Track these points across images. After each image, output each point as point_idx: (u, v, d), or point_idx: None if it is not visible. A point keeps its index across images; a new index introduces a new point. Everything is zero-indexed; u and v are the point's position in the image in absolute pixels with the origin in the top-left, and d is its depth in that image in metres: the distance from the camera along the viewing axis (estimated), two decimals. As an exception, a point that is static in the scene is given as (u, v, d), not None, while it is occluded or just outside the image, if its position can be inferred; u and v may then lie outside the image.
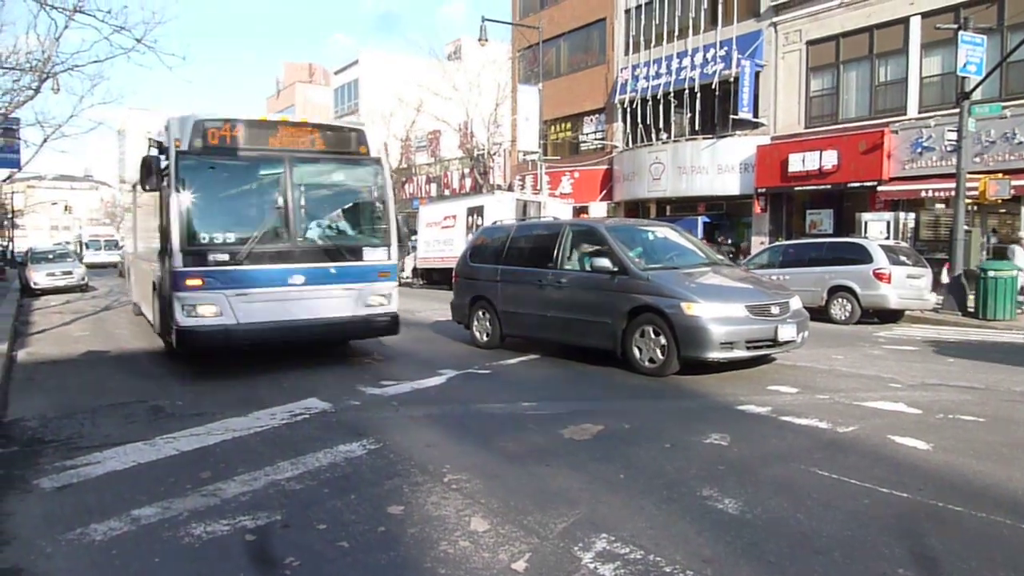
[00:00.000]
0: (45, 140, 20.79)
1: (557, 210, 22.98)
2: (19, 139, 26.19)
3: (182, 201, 8.00)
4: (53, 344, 11.34)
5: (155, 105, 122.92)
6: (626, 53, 28.36)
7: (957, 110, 15.64)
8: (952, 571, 3.33)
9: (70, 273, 24.09)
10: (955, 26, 15.77)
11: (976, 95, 15.70)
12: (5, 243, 49.83)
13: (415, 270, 26.98)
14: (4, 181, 33.15)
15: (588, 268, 8.86)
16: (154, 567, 3.50)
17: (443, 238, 24.75)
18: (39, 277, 23.30)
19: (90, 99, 40.87)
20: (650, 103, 26.72)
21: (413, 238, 26.23)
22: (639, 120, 27.19)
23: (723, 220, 25.65)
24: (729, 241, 24.35)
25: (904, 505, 4.14)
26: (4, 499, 4.38)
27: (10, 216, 49.92)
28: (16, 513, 4.18)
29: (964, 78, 15.11)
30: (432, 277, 25.67)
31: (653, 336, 8.02)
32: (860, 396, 7.06)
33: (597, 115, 30.08)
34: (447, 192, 40.25)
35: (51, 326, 13.88)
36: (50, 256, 26.59)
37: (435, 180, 42.82)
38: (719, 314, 7.68)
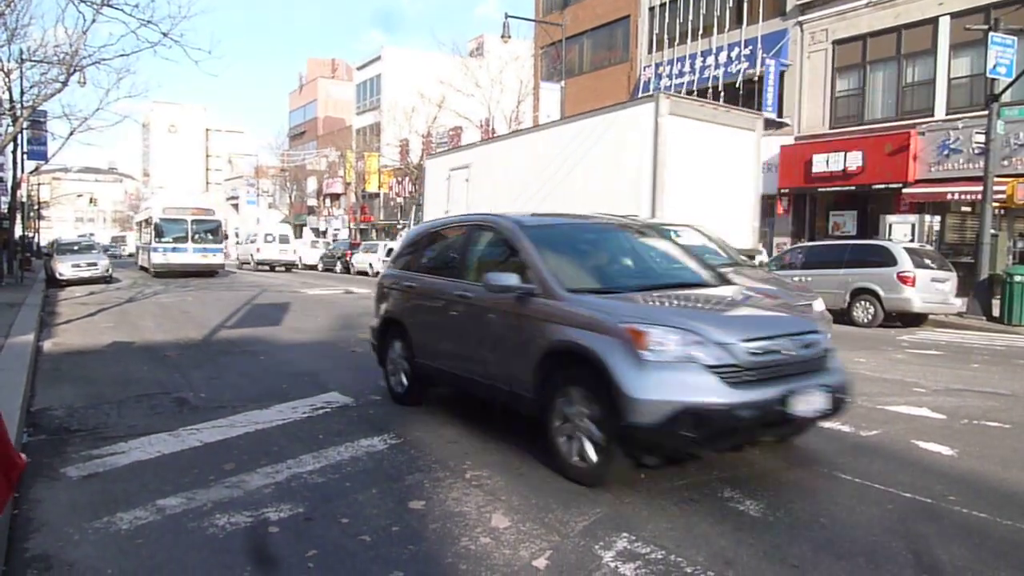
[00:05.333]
0: (72, 133, 21.16)
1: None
2: (46, 132, 26.62)
3: None
4: (78, 335, 11.50)
5: (178, 99, 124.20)
6: (649, 51, 28.22)
7: (986, 112, 15.43)
8: (978, 579, 3.29)
9: (94, 264, 24.52)
10: (985, 27, 15.56)
11: (1006, 97, 15.49)
12: (31, 234, 50.52)
13: None
14: (30, 173, 33.67)
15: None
16: (179, 556, 3.54)
17: None
18: (64, 268, 23.70)
19: (116, 92, 41.14)
20: (672, 102, 26.51)
21: None
22: (661, 119, 26.97)
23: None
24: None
25: (929, 511, 4.10)
26: (33, 486, 4.45)
27: (36, 208, 50.63)
28: (44, 500, 4.25)
29: (994, 80, 14.91)
30: None
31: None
32: (883, 400, 6.99)
33: (619, 113, 29.90)
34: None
35: (76, 317, 14.08)
36: (75, 248, 27.02)
37: (455, 177, 42.82)
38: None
